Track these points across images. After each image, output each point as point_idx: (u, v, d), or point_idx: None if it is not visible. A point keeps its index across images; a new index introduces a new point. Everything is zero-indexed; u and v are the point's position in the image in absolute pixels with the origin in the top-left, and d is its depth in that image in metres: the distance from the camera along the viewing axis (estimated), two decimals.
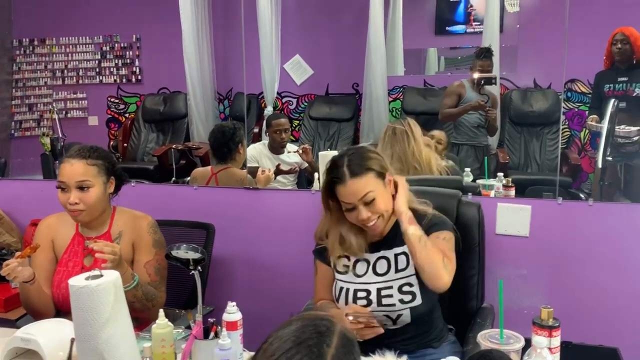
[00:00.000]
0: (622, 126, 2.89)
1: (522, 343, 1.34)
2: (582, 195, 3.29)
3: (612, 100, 2.94)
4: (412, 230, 1.61)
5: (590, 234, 2.16)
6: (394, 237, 1.71)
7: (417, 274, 1.66)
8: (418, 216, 1.68)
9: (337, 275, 1.75)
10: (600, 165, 2.90)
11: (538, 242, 2.20)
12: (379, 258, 1.72)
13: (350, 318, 1.55)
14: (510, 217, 2.22)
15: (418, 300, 1.64)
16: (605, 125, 2.96)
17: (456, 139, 3.61)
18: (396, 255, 1.71)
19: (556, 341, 1.37)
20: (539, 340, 1.26)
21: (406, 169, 2.45)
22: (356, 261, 1.73)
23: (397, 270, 1.69)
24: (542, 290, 2.18)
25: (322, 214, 1.75)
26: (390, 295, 1.64)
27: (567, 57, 3.78)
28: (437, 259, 1.60)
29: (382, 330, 1.57)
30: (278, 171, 3.12)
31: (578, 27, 3.72)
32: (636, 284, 2.10)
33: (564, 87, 3.85)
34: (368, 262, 1.72)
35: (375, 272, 1.70)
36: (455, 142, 3.60)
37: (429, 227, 1.68)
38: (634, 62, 3.10)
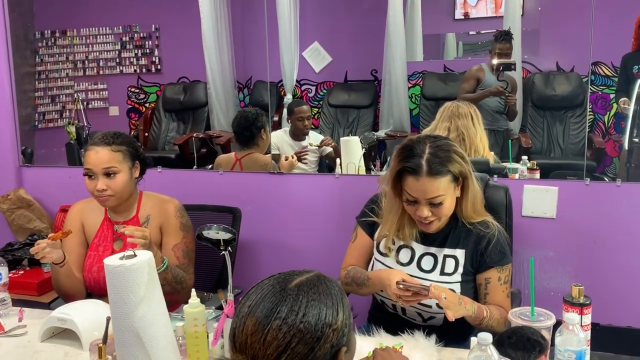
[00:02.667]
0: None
1: (554, 320, 1.33)
2: (606, 179, 3.24)
3: (639, 82, 2.88)
4: (472, 321, 1.55)
5: (619, 215, 2.14)
6: (447, 236, 1.65)
7: (462, 283, 1.60)
8: (480, 234, 1.61)
9: (377, 255, 1.70)
10: (627, 147, 2.86)
11: (565, 223, 2.19)
12: (426, 253, 1.65)
13: (401, 286, 1.50)
14: (537, 199, 2.21)
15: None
16: (631, 106, 2.91)
17: None
18: (445, 257, 1.64)
19: (587, 319, 1.36)
20: (571, 317, 1.26)
21: (465, 150, 2.41)
22: (401, 247, 1.67)
23: (442, 273, 1.62)
24: (569, 271, 2.16)
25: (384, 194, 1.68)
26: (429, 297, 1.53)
27: (591, 41, 3.73)
28: (500, 329, 1.51)
29: (428, 297, 1.49)
30: (299, 155, 3.12)
31: (601, 9, 3.67)
32: None
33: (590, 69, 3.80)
34: (413, 252, 1.66)
35: (419, 267, 1.64)
36: None
37: (491, 258, 1.60)
38: None
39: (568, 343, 1.23)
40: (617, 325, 2.06)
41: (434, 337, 1.50)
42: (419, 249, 1.66)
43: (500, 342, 1.25)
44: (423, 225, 1.60)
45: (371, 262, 1.72)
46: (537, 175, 2.70)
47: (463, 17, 4.36)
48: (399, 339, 1.51)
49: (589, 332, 1.39)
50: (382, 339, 1.50)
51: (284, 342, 0.87)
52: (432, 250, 1.65)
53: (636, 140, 2.92)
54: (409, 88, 4.27)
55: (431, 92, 4.21)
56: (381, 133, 4.00)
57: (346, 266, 1.75)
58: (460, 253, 1.63)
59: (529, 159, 2.85)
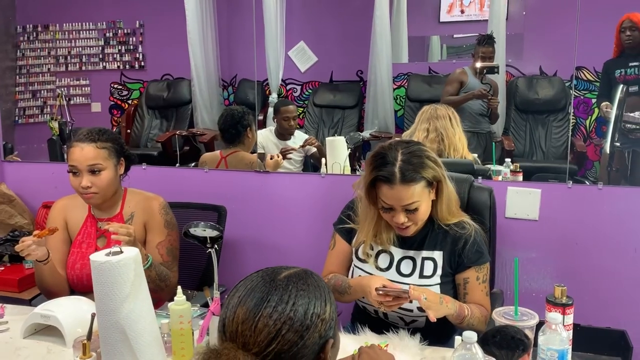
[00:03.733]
0: (636, 113, 2.89)
1: (537, 319, 1.35)
2: (587, 183, 3.30)
3: (621, 86, 2.93)
4: (453, 320, 1.56)
5: (600, 218, 2.18)
6: (425, 239, 1.65)
7: (441, 284, 1.62)
8: (457, 235, 1.62)
9: (357, 262, 1.70)
10: (608, 150, 2.91)
11: (547, 225, 2.21)
12: (404, 257, 1.66)
13: (380, 292, 1.50)
14: (520, 201, 2.23)
15: None
16: (613, 111, 2.96)
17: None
18: (424, 260, 1.64)
19: (569, 319, 1.38)
20: (554, 316, 1.27)
21: (444, 150, 2.45)
22: (380, 252, 1.67)
23: (421, 276, 1.63)
24: (551, 273, 2.19)
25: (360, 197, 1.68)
26: (411, 301, 1.53)
27: (573, 46, 3.78)
28: (481, 328, 1.55)
29: (409, 300, 1.50)
30: (284, 153, 3.11)
31: (585, 14, 3.71)
32: None
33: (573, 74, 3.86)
34: (392, 257, 1.66)
35: (398, 271, 1.65)
36: None
37: (469, 258, 1.62)
38: None
39: (551, 342, 1.25)
40: (597, 326, 2.10)
41: (418, 336, 1.51)
42: (398, 253, 1.67)
43: (485, 341, 1.26)
44: (400, 230, 1.62)
45: (351, 269, 1.72)
46: (520, 177, 2.73)
47: (449, 20, 4.40)
48: (384, 337, 1.51)
49: (571, 332, 1.41)
50: (367, 338, 1.51)
51: (275, 330, 0.88)
52: (411, 253, 1.66)
53: (617, 144, 2.97)
54: (394, 89, 4.29)
55: (416, 93, 4.24)
56: (366, 134, 4.01)
57: (327, 274, 1.75)
58: (438, 255, 1.64)
59: (512, 162, 2.88)
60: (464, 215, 1.68)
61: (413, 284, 1.58)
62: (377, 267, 1.66)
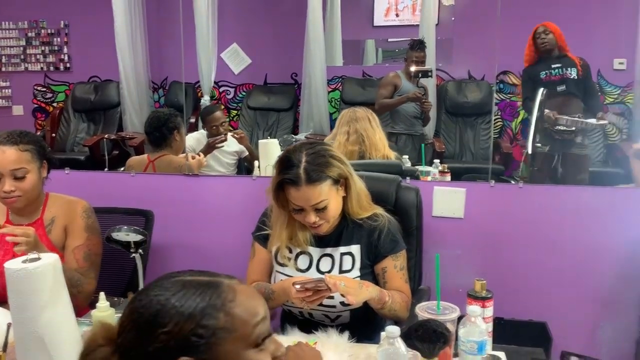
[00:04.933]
0: (567, 117, 3.03)
1: (458, 313, 1.39)
2: (512, 182, 3.44)
3: (541, 89, 3.08)
4: (375, 305, 1.58)
5: (521, 215, 2.27)
6: (341, 235, 1.69)
7: (361, 277, 1.64)
8: (371, 227, 1.66)
9: (277, 267, 1.71)
10: (529, 151, 3.05)
11: (472, 223, 2.29)
12: (323, 255, 1.68)
13: (298, 287, 1.51)
14: (446, 200, 2.30)
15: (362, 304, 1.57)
16: (535, 113, 3.09)
17: (394, 128, 3.68)
18: (342, 255, 1.68)
19: (489, 311, 1.44)
20: (473, 309, 1.32)
21: (365, 150, 2.48)
22: (299, 254, 1.69)
23: (341, 271, 1.66)
24: (476, 269, 2.26)
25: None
26: (332, 297, 1.55)
27: (500, 50, 3.95)
28: (403, 314, 1.60)
29: (330, 292, 1.50)
30: (209, 148, 3.05)
31: (510, 21, 3.87)
32: (562, 261, 2.22)
33: (496, 78, 4.03)
34: (311, 257, 1.69)
35: (318, 270, 1.67)
36: (393, 132, 3.68)
37: (385, 248, 1.66)
38: (559, 52, 3.27)
39: (470, 334, 1.30)
40: (519, 319, 2.19)
41: (347, 334, 1.54)
42: (316, 252, 1.69)
43: (408, 335, 1.29)
44: (314, 229, 1.64)
45: (273, 275, 1.73)
46: (448, 177, 2.82)
47: (383, 24, 4.49)
48: (312, 336, 1.52)
49: (491, 324, 1.46)
50: (297, 338, 1.51)
51: (124, 320, 0.84)
52: (328, 251, 1.69)
53: (538, 145, 3.11)
54: (329, 92, 4.34)
55: (350, 96, 4.30)
56: (301, 136, 4.03)
57: (250, 283, 1.75)
58: (355, 249, 1.68)
59: (441, 162, 2.97)
60: (376, 207, 1.72)
61: None
62: (298, 269, 1.68)
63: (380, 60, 4.64)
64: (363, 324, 1.65)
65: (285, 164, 1.58)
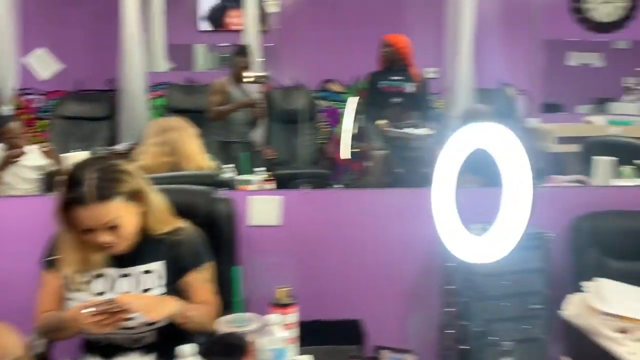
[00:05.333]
0: (404, 126, 3.20)
1: (259, 323, 1.38)
2: (337, 187, 3.55)
3: (356, 99, 3.24)
4: (180, 320, 1.52)
5: (336, 219, 2.32)
6: (140, 252, 1.58)
7: (167, 294, 1.56)
8: (172, 242, 1.59)
9: (69, 294, 1.56)
10: (347, 156, 3.18)
11: (289, 230, 2.29)
12: (122, 275, 1.57)
13: (92, 309, 1.38)
14: (263, 209, 2.29)
15: (166, 321, 1.52)
16: (350, 121, 3.23)
17: (228, 137, 3.61)
18: (143, 274, 1.58)
19: (292, 318, 1.45)
20: (271, 318, 1.34)
21: (178, 161, 2.36)
22: (96, 277, 1.56)
23: (144, 290, 1.56)
24: (294, 275, 2.27)
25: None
26: (132, 318, 1.45)
27: (323, 59, 4.07)
28: (210, 327, 1.49)
29: (127, 315, 1.41)
30: (3, 164, 2.77)
31: (336, 32, 4.03)
32: (373, 260, 2.31)
33: (320, 86, 4.14)
34: (109, 279, 1.56)
35: (117, 292, 1.55)
36: (227, 141, 3.61)
37: (187, 262, 1.59)
38: (403, 65, 3.51)
39: (269, 343, 1.29)
40: (332, 319, 2.24)
41: (154, 355, 1.45)
42: (114, 273, 1.58)
43: (207, 352, 1.26)
44: (109, 250, 1.53)
45: (65, 303, 1.58)
46: (274, 185, 2.81)
47: (208, 29, 4.41)
48: None
49: (295, 330, 1.46)
50: None
51: None
52: (127, 270, 1.58)
53: (355, 150, 3.26)
54: (153, 99, 4.14)
55: (175, 103, 4.13)
56: (121, 147, 3.78)
57: (41, 315, 1.58)
58: (156, 266, 1.59)
59: (271, 170, 2.96)
60: (178, 221, 1.66)
61: None
62: (95, 293, 1.55)
63: (210, 65, 4.56)
64: (173, 342, 1.55)
65: (70, 182, 1.45)
